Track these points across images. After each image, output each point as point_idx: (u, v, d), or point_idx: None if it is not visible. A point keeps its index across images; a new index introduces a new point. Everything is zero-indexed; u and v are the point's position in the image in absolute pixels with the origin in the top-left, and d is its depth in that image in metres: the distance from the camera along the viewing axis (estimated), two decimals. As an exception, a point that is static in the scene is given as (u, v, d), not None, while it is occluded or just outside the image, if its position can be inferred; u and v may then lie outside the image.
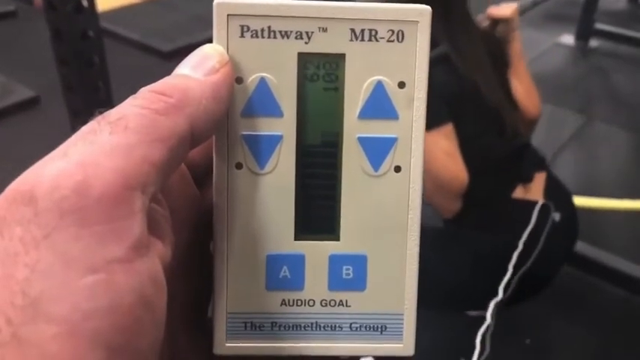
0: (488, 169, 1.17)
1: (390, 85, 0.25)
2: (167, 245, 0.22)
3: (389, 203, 0.25)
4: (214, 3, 0.24)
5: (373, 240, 0.26)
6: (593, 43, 3.12)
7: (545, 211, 1.17)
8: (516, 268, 1.12)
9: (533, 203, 1.18)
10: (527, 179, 1.20)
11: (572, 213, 1.27)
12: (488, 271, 1.17)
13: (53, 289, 0.17)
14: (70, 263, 0.18)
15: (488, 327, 1.11)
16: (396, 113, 0.25)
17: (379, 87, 0.25)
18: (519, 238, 1.13)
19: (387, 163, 0.25)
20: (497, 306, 1.12)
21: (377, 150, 0.25)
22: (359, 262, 0.26)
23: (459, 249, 1.21)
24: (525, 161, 1.23)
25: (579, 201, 1.80)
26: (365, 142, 0.25)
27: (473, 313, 1.54)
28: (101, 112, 0.21)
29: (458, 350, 1.15)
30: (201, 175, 0.26)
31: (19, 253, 0.18)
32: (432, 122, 1.08)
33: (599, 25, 3.10)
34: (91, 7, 1.08)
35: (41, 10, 1.11)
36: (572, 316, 1.61)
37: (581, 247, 1.71)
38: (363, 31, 0.25)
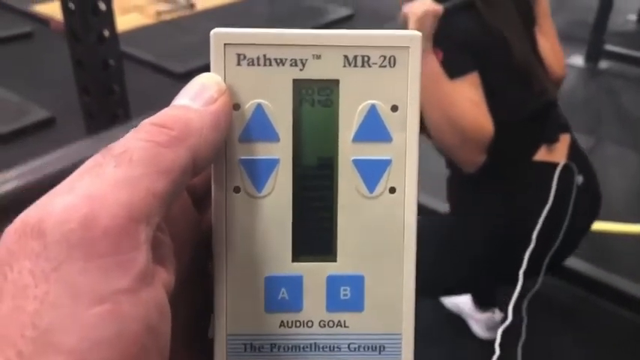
0: (514, 124, 1.13)
1: (384, 109, 0.25)
2: (170, 272, 0.22)
3: (385, 224, 0.26)
4: (211, 33, 0.25)
5: (370, 260, 0.26)
6: (603, 64, 3.12)
7: (568, 172, 1.13)
8: (542, 234, 1.07)
9: (556, 164, 1.13)
10: (552, 139, 1.16)
11: (593, 176, 1.22)
12: (512, 241, 1.13)
13: (62, 320, 0.18)
14: (78, 295, 0.18)
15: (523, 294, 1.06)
16: (389, 136, 0.26)
17: (373, 110, 0.25)
18: (545, 200, 1.09)
19: (382, 185, 0.26)
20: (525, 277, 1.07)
21: (372, 172, 0.26)
22: (356, 283, 0.26)
23: (479, 219, 1.17)
24: (551, 121, 1.19)
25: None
26: (360, 165, 0.26)
27: (483, 318, 1.53)
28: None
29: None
30: (201, 198, 0.27)
31: (28, 285, 0.18)
32: (457, 71, 1.04)
33: (609, 47, 3.11)
34: (112, 37, 1.10)
35: (57, 32, 1.14)
36: (581, 339, 1.60)
37: (590, 269, 1.70)
38: (355, 57, 0.25)
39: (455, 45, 1.03)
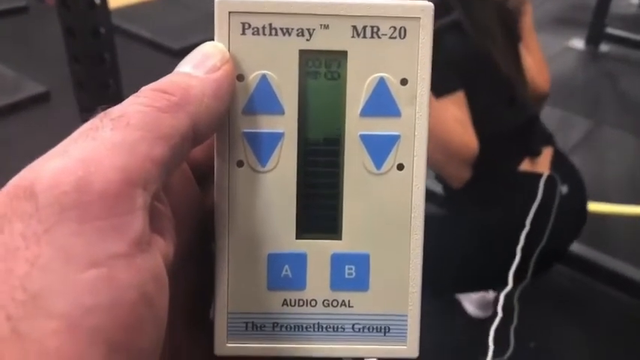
0: (498, 139, 1.16)
1: (393, 82, 0.25)
2: (169, 242, 0.21)
3: (392, 202, 0.25)
4: (216, 1, 0.24)
5: (376, 239, 0.25)
6: (604, 47, 3.11)
7: (552, 182, 1.17)
8: (527, 242, 1.12)
9: (540, 175, 1.18)
10: (535, 152, 1.20)
11: (579, 185, 1.26)
12: (498, 247, 1.16)
13: (54, 284, 0.17)
14: (71, 258, 0.18)
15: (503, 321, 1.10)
16: (398, 110, 0.25)
17: (381, 84, 0.25)
18: (528, 210, 1.13)
19: (390, 161, 0.25)
20: (514, 279, 1.11)
21: (379, 148, 0.25)
22: (361, 262, 0.25)
23: (467, 224, 1.20)
24: (534, 135, 1.23)
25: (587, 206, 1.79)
26: (367, 140, 0.25)
27: (475, 297, 1.54)
28: (103, 109, 0.21)
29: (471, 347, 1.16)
30: (204, 175, 0.26)
31: (19, 248, 0.18)
32: (444, 90, 1.07)
33: (610, 30, 3.09)
34: (103, 4, 1.08)
35: (52, 6, 1.12)
36: (579, 321, 1.61)
37: (588, 252, 1.70)
38: (364, 27, 0.24)
39: (441, 65, 1.05)
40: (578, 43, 3.13)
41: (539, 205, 1.13)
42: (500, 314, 1.09)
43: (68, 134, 0.21)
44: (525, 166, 1.20)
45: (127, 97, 0.22)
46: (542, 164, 1.21)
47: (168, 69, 0.23)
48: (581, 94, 2.72)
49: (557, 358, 1.51)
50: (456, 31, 1.11)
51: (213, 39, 0.24)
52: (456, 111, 1.09)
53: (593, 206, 1.82)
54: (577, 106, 2.58)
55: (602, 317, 1.62)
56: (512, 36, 1.24)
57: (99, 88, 1.13)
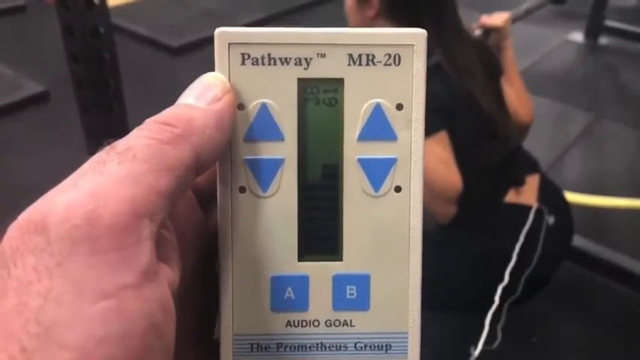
0: (482, 174, 1.18)
1: (389, 107, 0.25)
2: (175, 270, 0.22)
3: (390, 223, 0.26)
4: (215, 32, 0.25)
5: (376, 259, 0.26)
6: (603, 40, 3.11)
7: (539, 215, 1.19)
8: (513, 272, 1.14)
9: (528, 207, 1.19)
10: (520, 182, 1.22)
11: (566, 215, 1.28)
12: (485, 276, 1.18)
13: (66, 317, 0.18)
14: (82, 290, 0.18)
15: (498, 319, 1.11)
16: (394, 134, 0.26)
17: (378, 109, 0.25)
18: (515, 242, 1.15)
19: (388, 184, 0.26)
20: (499, 308, 1.13)
21: (377, 171, 0.26)
22: (362, 282, 0.26)
23: (454, 254, 1.22)
24: (517, 165, 1.25)
25: (587, 199, 1.79)
26: (365, 164, 0.26)
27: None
28: (109, 143, 0.22)
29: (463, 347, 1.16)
30: (207, 199, 0.27)
31: (32, 281, 0.18)
32: (427, 131, 1.06)
33: (609, 23, 3.09)
34: (102, 4, 1.08)
35: (51, 5, 1.12)
36: (581, 315, 1.61)
37: (589, 245, 1.71)
38: (360, 55, 0.25)
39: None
40: (578, 36, 3.13)
41: (527, 237, 1.15)
42: (484, 337, 1.10)
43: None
44: (511, 196, 1.21)
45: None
46: (529, 193, 1.23)
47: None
48: (580, 87, 2.72)
49: (558, 351, 1.51)
50: (437, 73, 1.13)
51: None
52: (439, 150, 1.11)
53: (594, 200, 1.82)
54: (577, 99, 2.58)
55: (603, 310, 1.62)
56: (493, 72, 1.26)
57: (99, 88, 1.13)
